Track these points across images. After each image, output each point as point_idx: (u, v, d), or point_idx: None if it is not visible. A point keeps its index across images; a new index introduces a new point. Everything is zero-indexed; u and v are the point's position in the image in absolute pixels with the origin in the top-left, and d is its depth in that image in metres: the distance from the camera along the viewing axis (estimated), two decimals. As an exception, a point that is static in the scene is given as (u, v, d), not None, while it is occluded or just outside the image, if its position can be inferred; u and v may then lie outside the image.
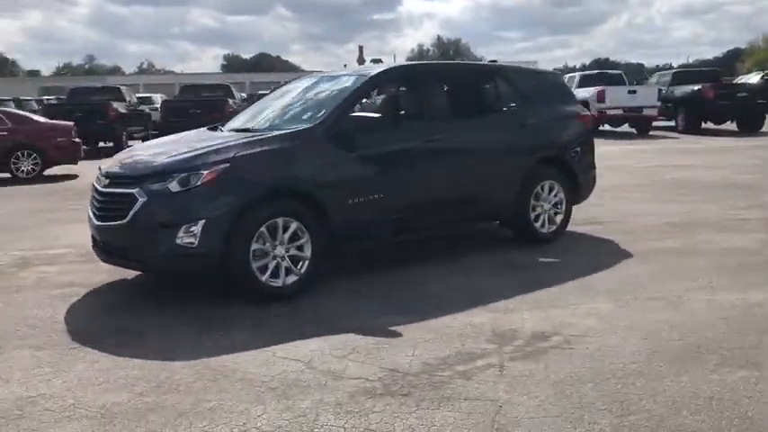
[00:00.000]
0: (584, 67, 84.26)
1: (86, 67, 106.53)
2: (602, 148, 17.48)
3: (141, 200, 4.92)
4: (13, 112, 15.66)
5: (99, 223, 5.23)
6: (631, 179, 11.67)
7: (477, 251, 6.57)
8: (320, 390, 3.61)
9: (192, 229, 4.84)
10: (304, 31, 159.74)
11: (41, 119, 15.83)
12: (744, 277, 5.50)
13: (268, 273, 5.09)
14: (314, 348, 4.19)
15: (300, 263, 5.25)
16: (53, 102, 28.62)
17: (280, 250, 5.14)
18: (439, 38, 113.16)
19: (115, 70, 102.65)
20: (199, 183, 4.90)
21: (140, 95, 30.30)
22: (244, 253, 4.95)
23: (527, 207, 6.65)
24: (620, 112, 21.45)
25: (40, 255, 6.95)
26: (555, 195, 6.87)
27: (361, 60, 74.20)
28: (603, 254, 6.37)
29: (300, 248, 5.24)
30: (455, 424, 3.19)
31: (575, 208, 7.89)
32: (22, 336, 4.61)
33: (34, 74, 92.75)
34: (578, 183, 7.06)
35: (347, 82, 6.07)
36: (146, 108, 25.59)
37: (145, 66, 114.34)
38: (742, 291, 5.15)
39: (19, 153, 14.17)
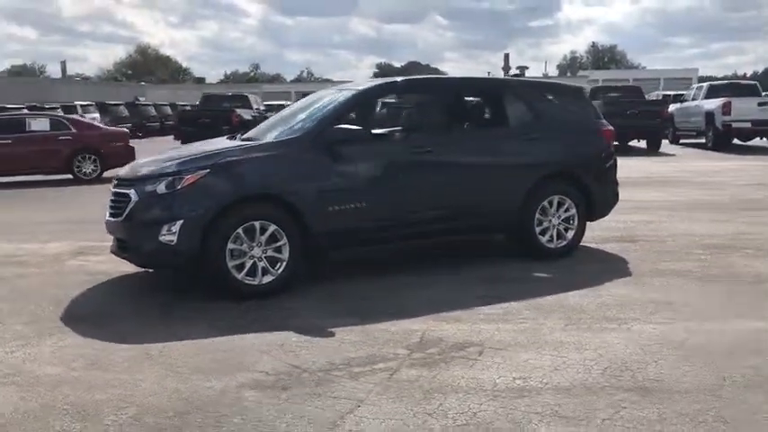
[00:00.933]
0: (755, 76, 78.56)
1: (251, 74, 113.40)
2: (710, 164, 16.70)
3: (135, 199, 5.54)
4: (77, 119, 17.31)
5: (108, 219, 5.91)
6: (713, 196, 11.07)
7: (472, 264, 6.65)
8: (217, 377, 3.98)
9: (173, 227, 5.38)
10: (459, 38, 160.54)
11: (102, 126, 17.84)
12: (733, 307, 5.25)
13: (244, 271, 5.53)
14: (246, 343, 4.57)
15: (278, 264, 5.64)
16: (186, 108, 30.98)
17: (257, 251, 5.56)
18: (593, 44, 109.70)
19: (275, 78, 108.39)
20: (180, 186, 5.44)
21: (269, 103, 32.11)
22: (220, 252, 5.42)
23: (531, 221, 6.65)
24: (748, 125, 20.05)
25: (96, 246, 7.80)
26: (566, 211, 6.80)
27: (506, 68, 73.72)
28: (603, 272, 6.25)
29: (278, 250, 5.64)
30: (302, 416, 3.45)
31: (617, 223, 7.77)
32: (26, 311, 5.33)
33: (200, 81, 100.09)
34: (593, 199, 6.95)
35: (342, 96, 6.40)
36: (271, 115, 27.08)
37: (304, 74, 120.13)
38: (718, 321, 4.94)
39: (81, 156, 15.53)
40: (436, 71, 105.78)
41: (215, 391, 3.80)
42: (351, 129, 5.86)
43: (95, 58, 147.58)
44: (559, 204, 6.79)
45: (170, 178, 5.48)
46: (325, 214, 5.78)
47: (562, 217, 6.81)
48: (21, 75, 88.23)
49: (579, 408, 3.49)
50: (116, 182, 6.02)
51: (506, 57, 71.75)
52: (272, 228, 5.60)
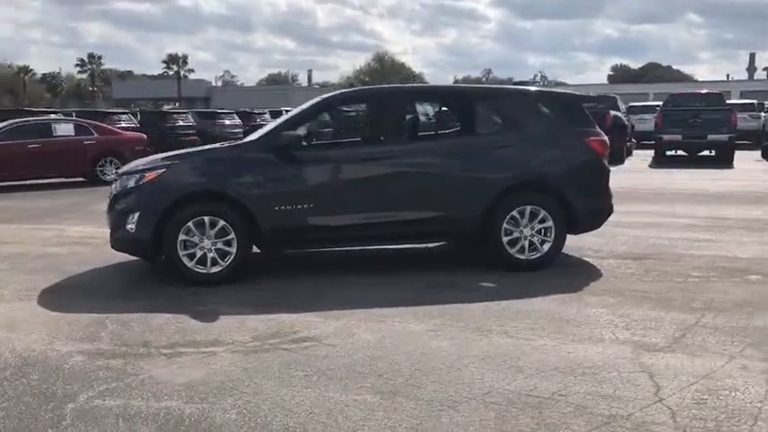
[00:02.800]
0: None
1: (483, 80, 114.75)
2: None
3: (114, 192, 6.52)
4: (98, 125, 17.59)
5: (105, 209, 6.98)
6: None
7: (432, 270, 6.74)
8: (71, 343, 4.74)
9: (133, 218, 6.27)
10: (715, 37, 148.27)
11: (121, 131, 18.34)
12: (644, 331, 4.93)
13: (194, 260, 6.26)
14: (129, 317, 5.28)
15: (228, 256, 6.29)
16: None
17: (207, 243, 6.26)
18: None
19: (506, 82, 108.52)
20: (142, 182, 6.32)
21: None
22: (172, 241, 6.20)
23: (498, 231, 6.58)
24: None
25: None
26: (540, 222, 6.62)
27: (751, 69, 67.15)
28: (550, 287, 6.04)
29: (228, 244, 6.29)
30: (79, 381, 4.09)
31: (635, 236, 7.43)
32: (26, 283, 6.54)
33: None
34: (575, 211, 6.67)
35: (307, 104, 6.89)
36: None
37: (537, 78, 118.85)
38: (571, 342, 4.71)
39: (103, 160, 16.25)
40: (678, 73, 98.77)
41: (58, 353, 4.56)
42: (292, 135, 6.32)
43: (345, 67, 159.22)
44: (533, 215, 6.62)
45: (138, 175, 6.38)
46: (273, 213, 6.30)
47: (536, 228, 6.63)
48: (276, 83, 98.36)
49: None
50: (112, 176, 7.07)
51: (752, 57, 65.79)
52: (222, 223, 6.25)
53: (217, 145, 7.09)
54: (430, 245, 7.10)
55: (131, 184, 6.39)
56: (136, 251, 6.46)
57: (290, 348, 4.58)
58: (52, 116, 19.81)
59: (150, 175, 6.32)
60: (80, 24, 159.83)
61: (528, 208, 6.61)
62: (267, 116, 30.76)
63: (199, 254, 6.26)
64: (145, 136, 17.92)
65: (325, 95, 7.09)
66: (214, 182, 6.31)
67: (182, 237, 6.22)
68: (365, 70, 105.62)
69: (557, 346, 4.56)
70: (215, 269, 6.28)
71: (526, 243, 6.63)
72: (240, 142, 6.65)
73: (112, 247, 6.57)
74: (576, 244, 7.41)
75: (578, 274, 6.51)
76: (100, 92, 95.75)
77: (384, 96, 7.09)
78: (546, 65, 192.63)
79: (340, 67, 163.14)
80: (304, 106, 6.84)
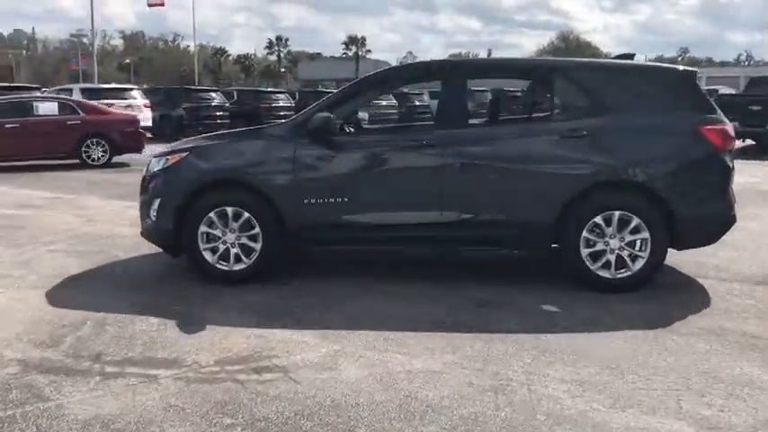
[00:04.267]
0: None
1: (678, 59, 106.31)
2: None
3: (144, 175, 5.97)
4: (86, 104, 15.97)
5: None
6: None
7: (481, 282, 5.54)
8: (33, 346, 4.20)
9: (155, 205, 5.68)
10: None
11: (112, 110, 16.58)
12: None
13: (217, 255, 5.56)
14: (117, 320, 4.66)
15: (252, 253, 5.54)
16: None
17: (230, 237, 5.54)
18: None
19: (707, 62, 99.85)
20: (164, 166, 5.70)
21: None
22: (193, 233, 5.54)
23: (577, 241, 5.25)
24: None
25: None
26: (633, 232, 5.20)
27: None
28: (636, 318, 4.68)
29: (253, 239, 5.52)
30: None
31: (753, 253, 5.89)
32: (59, 268, 6.20)
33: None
34: (679, 219, 5.17)
35: (358, 79, 5.92)
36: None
37: (743, 57, 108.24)
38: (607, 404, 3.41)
39: (90, 141, 14.84)
40: None
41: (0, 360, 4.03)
42: (321, 117, 5.37)
43: (529, 46, 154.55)
44: (623, 223, 5.21)
45: (164, 159, 5.77)
46: (301, 207, 5.45)
47: (626, 240, 5.22)
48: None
49: None
50: None
51: None
52: (246, 215, 5.50)
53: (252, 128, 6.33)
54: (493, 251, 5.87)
55: (157, 167, 5.79)
56: (158, 242, 5.86)
57: (243, 381, 3.71)
58: (36, 94, 19.09)
59: (173, 159, 5.68)
60: (278, 8, 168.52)
61: (616, 214, 5.21)
62: (425, 96, 29.52)
63: (221, 249, 5.55)
64: (136, 117, 16.44)
65: (376, 71, 6.07)
66: (236, 169, 5.54)
67: (203, 228, 5.54)
68: (548, 49, 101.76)
69: (598, 415, 3.30)
70: (238, 266, 5.55)
71: (613, 258, 5.24)
72: (272, 125, 5.83)
73: (141, 234, 6.03)
74: (695, 258, 5.88)
75: (677, 303, 5.04)
76: (288, 72, 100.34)
77: (440, 71, 5.88)
78: (753, 43, 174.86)
79: (523, 46, 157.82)
80: (352, 83, 5.86)
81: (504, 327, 4.53)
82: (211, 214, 5.52)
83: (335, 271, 5.91)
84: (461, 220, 5.36)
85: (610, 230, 5.23)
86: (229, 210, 5.50)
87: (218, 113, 23.05)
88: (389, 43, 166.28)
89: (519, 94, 6.50)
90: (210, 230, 5.55)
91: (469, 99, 6.20)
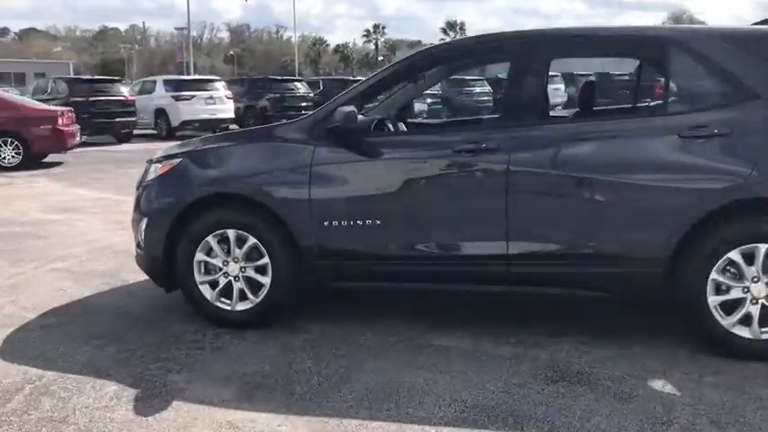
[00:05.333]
0: None
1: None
2: None
3: (137, 185, 4.79)
4: None
5: None
6: None
7: (553, 336, 4.03)
8: None
9: (142, 226, 4.51)
10: None
11: (28, 104, 14.51)
12: None
13: (217, 290, 4.34)
14: (63, 387, 3.51)
15: (261, 290, 4.28)
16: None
17: (233, 268, 4.30)
18: None
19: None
20: (153, 177, 4.51)
21: None
22: (187, 262, 4.34)
23: (700, 287, 3.68)
24: None
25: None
26: (785, 274, 3.59)
27: None
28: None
29: (262, 271, 4.27)
30: None
31: None
32: (38, 297, 5.17)
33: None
34: None
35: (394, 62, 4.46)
36: None
37: None
38: None
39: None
40: None
41: None
42: (344, 112, 3.99)
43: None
44: (770, 260, 3.60)
45: (156, 165, 4.59)
46: (320, 230, 4.13)
47: (776, 285, 3.60)
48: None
49: None
50: None
51: None
52: (252, 240, 4.24)
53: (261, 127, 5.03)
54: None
55: (149, 177, 4.61)
56: (148, 272, 4.67)
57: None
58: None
59: (163, 167, 4.48)
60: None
61: (762, 248, 3.59)
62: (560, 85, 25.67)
63: (222, 282, 4.32)
64: (57, 111, 13.88)
65: (418, 50, 4.62)
66: (239, 180, 4.27)
67: (200, 256, 4.32)
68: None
69: None
70: (242, 305, 4.31)
71: (756, 311, 3.63)
72: (287, 122, 4.50)
73: (136, 261, 4.87)
74: None
75: None
76: (386, 61, 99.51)
77: (509, 47, 4.24)
78: None
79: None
80: (390, 66, 4.43)
81: (582, 412, 3.05)
82: (209, 238, 4.29)
83: (370, 312, 4.55)
84: (533, 253, 3.89)
85: (752, 271, 3.63)
86: (231, 233, 4.26)
87: (302, 104, 22.12)
88: (490, 29, 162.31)
89: (618, 77, 4.79)
90: (209, 259, 4.33)
91: (549, 85, 4.66)
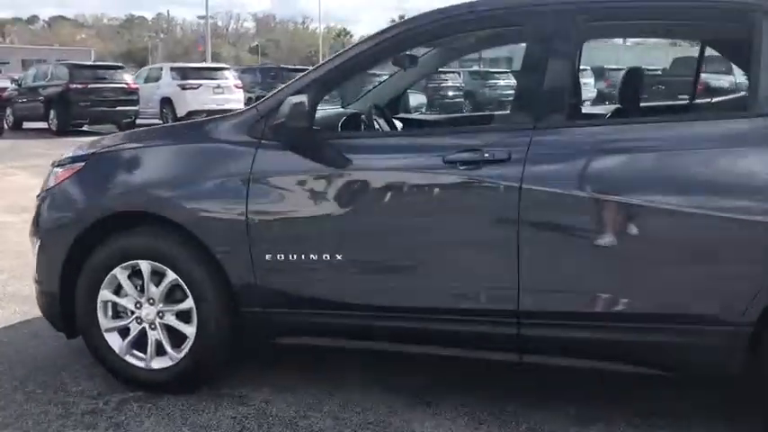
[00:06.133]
0: None
1: None
2: None
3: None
4: None
5: None
6: None
7: (579, 422, 2.83)
8: None
9: (35, 251, 3.41)
10: None
11: None
12: None
13: (128, 340, 3.23)
14: None
15: (185, 342, 3.16)
16: None
17: (148, 311, 3.18)
18: None
19: None
20: (52, 186, 3.39)
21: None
22: (88, 301, 3.23)
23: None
24: None
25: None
26: None
27: None
28: None
29: (185, 318, 3.15)
30: None
31: None
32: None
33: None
34: None
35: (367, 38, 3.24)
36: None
37: None
38: None
39: None
40: None
41: None
42: (293, 104, 2.82)
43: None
44: None
45: (58, 170, 3.47)
46: (261, 266, 3.00)
47: None
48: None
49: None
50: None
51: None
52: (171, 276, 3.12)
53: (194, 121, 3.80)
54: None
55: (48, 185, 3.48)
56: (43, 311, 3.52)
57: None
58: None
59: (64, 173, 3.36)
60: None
61: None
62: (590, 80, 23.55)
63: (135, 330, 3.21)
64: None
65: (396, 24, 3.39)
66: (152, 194, 3.13)
67: (105, 295, 3.22)
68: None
69: None
70: (159, 363, 3.20)
71: None
72: (222, 117, 3.31)
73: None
74: None
75: None
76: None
77: (528, 20, 2.95)
78: None
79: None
80: (357, 46, 3.22)
81: None
82: (117, 272, 3.19)
83: (334, 374, 3.41)
84: (555, 311, 2.73)
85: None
86: (145, 266, 3.15)
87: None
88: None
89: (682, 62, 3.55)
90: (117, 299, 3.23)
91: (580, 74, 3.49)
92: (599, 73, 24.58)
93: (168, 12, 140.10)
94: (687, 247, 2.61)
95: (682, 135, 2.70)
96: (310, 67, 3.14)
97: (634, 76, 3.80)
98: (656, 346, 2.67)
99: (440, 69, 21.47)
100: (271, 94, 3.12)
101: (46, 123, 17.80)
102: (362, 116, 3.55)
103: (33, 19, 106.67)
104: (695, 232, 2.58)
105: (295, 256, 2.95)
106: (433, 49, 3.98)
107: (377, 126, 3.63)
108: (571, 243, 2.70)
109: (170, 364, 3.18)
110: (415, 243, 2.85)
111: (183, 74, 19.26)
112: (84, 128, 17.88)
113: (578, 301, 2.72)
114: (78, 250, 3.22)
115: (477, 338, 2.86)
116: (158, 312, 3.17)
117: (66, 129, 16.85)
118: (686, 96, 4.29)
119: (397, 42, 3.07)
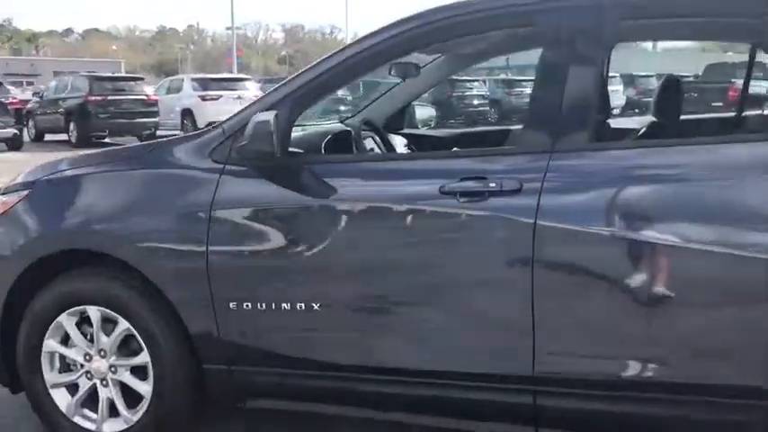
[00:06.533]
0: None
1: None
2: None
3: None
4: None
5: None
6: None
7: None
8: None
9: (-25, 293, 2.95)
10: None
11: None
12: None
13: (76, 397, 2.77)
14: None
15: (141, 402, 2.69)
16: None
17: (99, 365, 2.72)
18: None
19: None
20: (-6, 216, 2.94)
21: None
22: (29, 351, 2.78)
23: None
24: None
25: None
26: None
27: None
28: None
29: (141, 374, 2.68)
30: None
31: None
32: None
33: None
34: None
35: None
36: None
37: None
38: None
39: None
40: None
41: None
42: (260, 123, 2.33)
43: None
44: None
45: (2, 197, 3.01)
46: (224, 316, 2.51)
47: None
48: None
49: None
50: None
51: None
52: (124, 325, 2.65)
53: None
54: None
55: (-6, 214, 3.04)
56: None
57: None
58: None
59: (6, 203, 2.90)
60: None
61: None
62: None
63: (84, 387, 2.75)
64: None
65: (387, 26, 2.85)
66: (100, 229, 2.65)
67: (51, 345, 2.76)
68: None
69: None
70: (112, 426, 2.74)
71: None
72: (181, 137, 2.81)
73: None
74: None
75: None
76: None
77: (532, 18, 2.36)
78: None
79: None
80: (344, 51, 2.69)
81: None
82: (63, 318, 2.72)
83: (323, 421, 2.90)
84: (579, 378, 2.20)
85: None
86: (94, 312, 2.68)
87: (340, 107, 20.57)
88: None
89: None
90: (64, 350, 2.77)
91: (610, 82, 2.94)
92: (628, 80, 23.60)
93: (198, 23, 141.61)
94: (747, 303, 2.06)
95: (735, 159, 2.16)
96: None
97: (672, 86, 3.23)
98: (700, 424, 2.13)
99: (464, 77, 21.11)
100: (239, 110, 2.64)
101: (66, 135, 17.62)
102: (352, 134, 3.04)
103: (68, 32, 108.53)
104: (757, 285, 2.03)
105: (264, 305, 2.46)
106: (439, 57, 3.47)
107: (369, 146, 3.13)
108: (598, 295, 2.17)
109: (124, 427, 2.71)
110: (406, 292, 2.35)
111: (204, 85, 18.98)
112: (107, 140, 17.67)
113: (609, 367, 2.19)
114: (20, 292, 2.76)
115: (483, 407, 2.33)
116: (110, 367, 2.70)
117: (85, 141, 16.64)
118: (732, 109, 3.72)
119: (386, 49, 2.55)
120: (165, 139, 2.77)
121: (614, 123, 3.33)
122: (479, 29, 2.55)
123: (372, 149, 3.14)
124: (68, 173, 2.82)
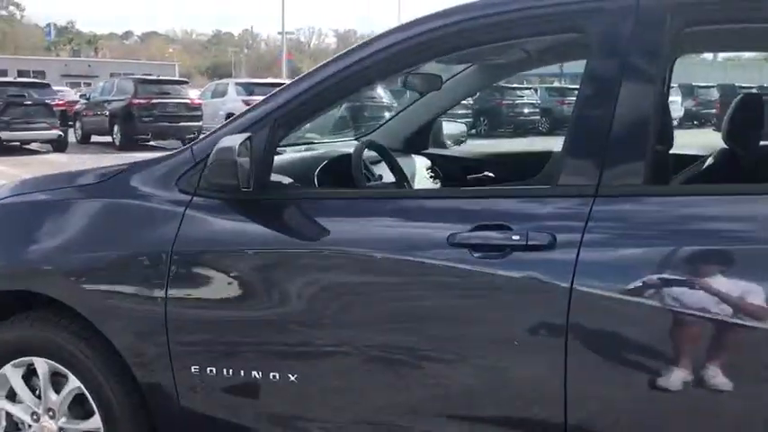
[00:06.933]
0: None
1: None
2: None
3: None
4: None
5: None
6: None
7: None
8: None
9: None
10: None
11: None
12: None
13: (23, 463, 2.36)
14: None
15: (95, 470, 2.27)
16: None
17: (47, 425, 2.30)
18: None
19: None
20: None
21: None
22: (-26, 409, 2.38)
23: None
24: None
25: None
26: None
27: None
28: None
29: (93, 437, 2.26)
30: None
31: None
32: None
33: None
34: None
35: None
36: None
37: None
38: None
39: None
40: None
41: None
42: (223, 149, 1.86)
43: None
44: None
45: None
46: (186, 381, 2.06)
47: None
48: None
49: None
50: None
51: None
52: (75, 383, 2.22)
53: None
54: None
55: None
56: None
57: None
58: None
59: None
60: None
61: None
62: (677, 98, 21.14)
63: (32, 449, 2.33)
64: None
65: (393, 29, 2.33)
66: (45, 270, 2.22)
67: (-5, 400, 2.35)
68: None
69: None
70: (62, 498, 2.30)
71: None
72: (144, 161, 2.34)
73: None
74: None
75: None
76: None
77: (570, 23, 1.86)
78: None
79: None
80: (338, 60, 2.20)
81: None
82: (8, 370, 2.31)
83: None
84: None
85: None
86: (41, 365, 2.26)
87: (384, 113, 20.23)
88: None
89: None
90: (10, 407, 2.35)
91: (667, 104, 2.37)
92: (687, 90, 22.47)
93: (252, 27, 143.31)
94: None
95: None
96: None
97: (751, 105, 2.61)
98: None
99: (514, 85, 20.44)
100: (210, 132, 2.19)
101: (111, 138, 17.63)
102: (353, 159, 2.54)
103: (128, 34, 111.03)
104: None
105: (231, 372, 2.00)
106: (470, 66, 2.97)
107: (379, 171, 2.64)
108: (642, 380, 1.65)
109: (75, 500, 2.28)
110: (398, 365, 1.85)
111: (249, 89, 18.79)
112: (151, 143, 17.63)
113: None
114: (-37, 337, 2.36)
115: None
116: (60, 430, 2.27)
117: (129, 144, 16.59)
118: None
119: (393, 56, 2.06)
120: (132, 162, 2.32)
121: (673, 149, 2.75)
122: (516, 34, 2.04)
123: (381, 177, 2.64)
124: (17, 199, 2.40)
